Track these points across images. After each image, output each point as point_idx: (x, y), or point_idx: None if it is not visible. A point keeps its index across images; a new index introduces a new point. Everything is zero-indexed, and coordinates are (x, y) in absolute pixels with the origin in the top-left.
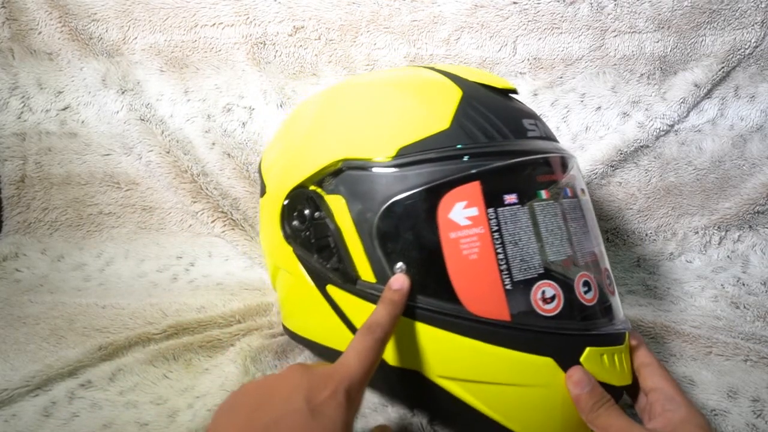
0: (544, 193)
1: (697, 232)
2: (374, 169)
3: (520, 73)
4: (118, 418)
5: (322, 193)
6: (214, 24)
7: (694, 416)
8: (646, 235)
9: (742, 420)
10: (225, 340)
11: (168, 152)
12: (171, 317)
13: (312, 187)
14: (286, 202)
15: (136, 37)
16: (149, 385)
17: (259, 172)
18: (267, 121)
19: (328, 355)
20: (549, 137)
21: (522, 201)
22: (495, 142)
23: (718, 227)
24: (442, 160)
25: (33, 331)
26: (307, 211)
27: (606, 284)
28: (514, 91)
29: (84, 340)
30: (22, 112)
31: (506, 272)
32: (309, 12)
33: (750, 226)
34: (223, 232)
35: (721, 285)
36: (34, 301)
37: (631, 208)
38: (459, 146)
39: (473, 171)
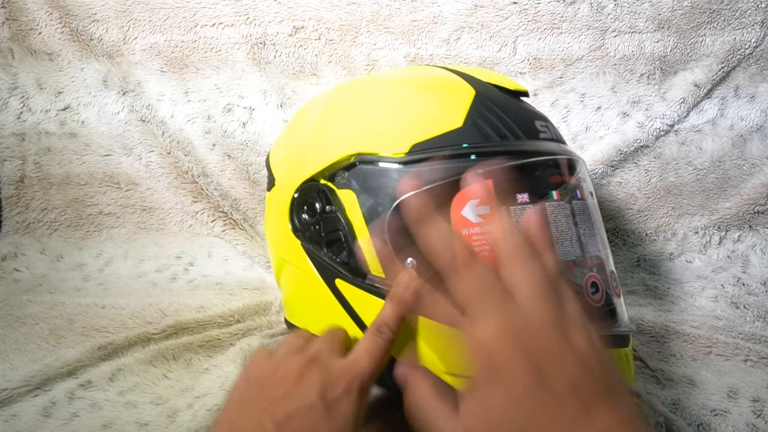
0: (555, 194)
1: (697, 232)
2: (387, 165)
3: (520, 73)
4: (118, 418)
5: (334, 187)
6: (214, 24)
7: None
8: (646, 235)
9: (742, 420)
10: (225, 340)
11: (169, 153)
12: (170, 317)
13: (323, 181)
14: (296, 195)
15: (136, 38)
16: (149, 385)
17: (267, 165)
18: (267, 122)
19: None
20: (559, 140)
21: (533, 201)
22: (507, 142)
23: (718, 227)
24: (455, 157)
25: (32, 330)
26: (317, 205)
27: (612, 286)
28: (525, 93)
29: (83, 340)
30: (21, 113)
31: None
32: (309, 12)
33: (750, 226)
34: (223, 231)
35: (721, 285)
36: (34, 301)
37: (631, 208)
38: (469, 145)
39: (486, 169)
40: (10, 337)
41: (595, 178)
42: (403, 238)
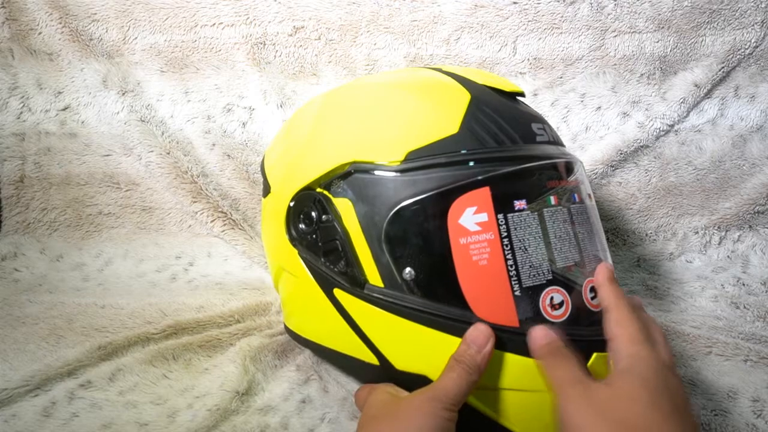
0: (552, 199)
1: (697, 232)
2: (383, 173)
3: (520, 73)
4: (118, 418)
5: (330, 196)
6: (214, 24)
7: (636, 364)
8: (646, 235)
9: (742, 420)
10: (224, 340)
11: (168, 153)
12: (170, 317)
13: (319, 190)
14: (292, 204)
15: (136, 38)
16: (149, 385)
17: (262, 171)
18: (267, 122)
19: (332, 357)
20: (557, 142)
21: (531, 207)
22: (504, 147)
23: (718, 227)
24: (452, 165)
25: (32, 330)
26: (314, 214)
27: None
28: (522, 94)
29: (83, 340)
30: (21, 113)
31: (515, 278)
32: (309, 12)
33: (750, 226)
34: (223, 231)
35: (721, 285)
36: (33, 301)
37: (631, 208)
38: (466, 151)
39: (483, 176)
40: (10, 337)
41: (595, 178)
42: (400, 247)
